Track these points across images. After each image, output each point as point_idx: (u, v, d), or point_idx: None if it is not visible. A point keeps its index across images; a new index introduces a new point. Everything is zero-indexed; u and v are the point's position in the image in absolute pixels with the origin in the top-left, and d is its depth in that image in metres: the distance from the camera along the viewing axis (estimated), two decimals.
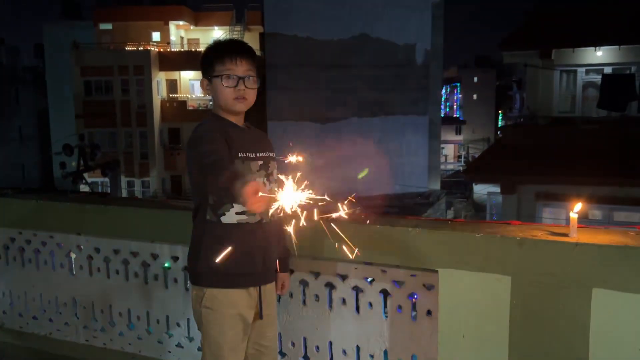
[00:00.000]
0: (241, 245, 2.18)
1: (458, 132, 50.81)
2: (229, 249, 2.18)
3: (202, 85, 2.27)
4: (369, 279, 2.63)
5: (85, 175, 14.47)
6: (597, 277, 2.12)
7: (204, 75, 2.24)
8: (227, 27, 31.58)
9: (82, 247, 3.36)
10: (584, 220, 3.31)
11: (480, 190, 26.36)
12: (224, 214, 2.17)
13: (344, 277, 2.68)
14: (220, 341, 2.19)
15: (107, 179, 16.76)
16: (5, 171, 33.10)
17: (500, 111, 47.46)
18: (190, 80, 31.08)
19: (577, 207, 2.24)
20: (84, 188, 14.31)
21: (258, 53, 24.83)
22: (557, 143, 11.17)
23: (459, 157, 50.00)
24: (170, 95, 31.19)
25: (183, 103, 30.61)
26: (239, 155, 2.17)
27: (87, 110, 29.78)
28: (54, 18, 36.84)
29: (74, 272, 3.41)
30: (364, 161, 21.25)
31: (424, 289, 2.52)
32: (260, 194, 1.64)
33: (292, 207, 1.75)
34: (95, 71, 29.68)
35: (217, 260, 2.18)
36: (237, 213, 2.18)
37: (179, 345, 3.15)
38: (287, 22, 22.28)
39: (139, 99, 29.93)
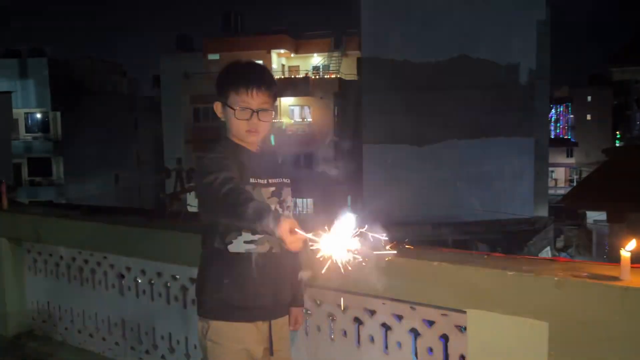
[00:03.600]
0: (249, 276, 2.06)
1: (569, 154, 47.61)
2: (235, 279, 2.09)
3: (216, 108, 2.16)
4: (398, 316, 2.41)
5: (185, 196, 15.15)
6: None
7: (219, 98, 2.14)
8: (326, 54, 32.21)
9: (130, 268, 3.44)
10: None
11: (594, 217, 24.30)
12: (231, 242, 2.06)
13: (372, 312, 2.48)
14: None
15: None
16: (125, 193, 35.93)
17: (617, 132, 43.85)
18: (290, 106, 31.99)
19: (631, 245, 1.88)
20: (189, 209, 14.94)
21: (355, 77, 25.00)
22: None
23: (571, 181, 46.72)
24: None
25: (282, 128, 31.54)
26: (250, 181, 2.07)
27: (195, 136, 31.62)
28: (170, 51, 39.70)
29: (124, 294, 3.49)
30: (464, 185, 20.44)
31: (456, 330, 2.25)
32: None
33: (343, 260, 1.66)
34: (203, 99, 31.48)
35: (222, 291, 2.09)
36: (245, 242, 2.06)
37: None
38: (384, 46, 22.28)
39: None
